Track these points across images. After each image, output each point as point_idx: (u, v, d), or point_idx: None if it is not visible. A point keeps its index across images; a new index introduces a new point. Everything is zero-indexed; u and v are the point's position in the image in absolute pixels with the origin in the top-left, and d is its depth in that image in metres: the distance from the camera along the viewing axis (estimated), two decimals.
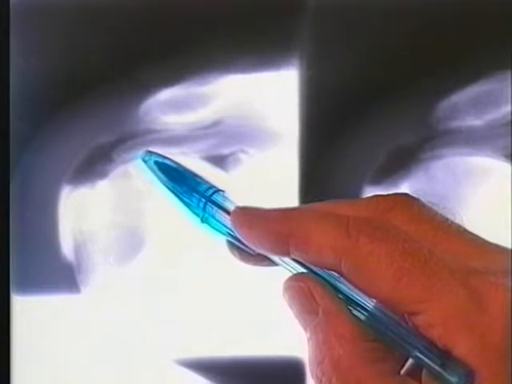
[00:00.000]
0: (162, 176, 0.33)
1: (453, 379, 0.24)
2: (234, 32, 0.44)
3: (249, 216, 0.29)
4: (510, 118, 0.45)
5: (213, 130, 0.45)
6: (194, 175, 0.33)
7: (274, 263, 0.29)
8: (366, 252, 0.25)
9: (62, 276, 0.44)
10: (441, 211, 0.27)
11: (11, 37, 0.43)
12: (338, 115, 0.45)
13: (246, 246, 0.29)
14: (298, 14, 0.44)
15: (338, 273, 0.26)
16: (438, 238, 0.26)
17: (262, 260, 0.30)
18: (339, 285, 0.27)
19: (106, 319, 0.44)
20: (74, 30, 0.44)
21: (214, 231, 0.31)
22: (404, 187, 0.45)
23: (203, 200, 0.31)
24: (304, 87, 0.45)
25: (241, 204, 0.30)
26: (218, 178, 0.45)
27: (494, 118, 0.45)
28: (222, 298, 0.44)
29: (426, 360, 0.24)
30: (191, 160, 0.44)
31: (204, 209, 0.31)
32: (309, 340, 0.27)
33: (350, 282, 0.26)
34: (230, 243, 0.31)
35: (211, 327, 0.44)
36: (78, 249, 0.44)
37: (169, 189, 0.33)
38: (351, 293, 0.26)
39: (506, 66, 0.45)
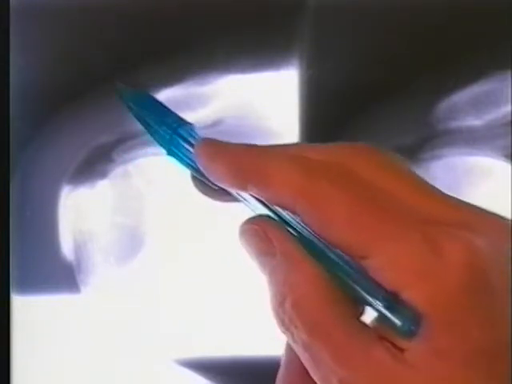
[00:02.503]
0: (132, 105, 0.33)
1: (398, 322, 0.23)
2: (234, 32, 0.44)
3: (212, 148, 0.29)
4: (510, 117, 0.45)
5: (213, 129, 0.45)
6: (165, 107, 0.33)
7: (235, 199, 0.29)
8: (323, 195, 0.25)
9: (62, 276, 0.44)
10: (408, 164, 0.27)
11: (11, 37, 0.43)
12: (338, 115, 0.45)
13: (209, 180, 0.29)
14: (298, 14, 0.44)
15: (293, 213, 0.26)
16: (400, 187, 0.25)
17: (225, 195, 0.29)
18: (297, 226, 0.27)
19: (106, 319, 0.44)
20: (74, 30, 0.44)
21: (180, 164, 0.31)
22: None
23: (169, 132, 0.31)
24: (304, 87, 0.45)
25: None
26: None
27: (494, 117, 0.45)
28: (222, 298, 0.44)
29: (372, 301, 0.24)
30: None
31: (170, 141, 0.31)
32: (269, 283, 0.27)
33: (304, 223, 0.26)
34: (193, 177, 0.31)
35: (211, 327, 0.44)
36: (78, 249, 0.44)
37: (138, 118, 0.33)
38: (306, 233, 0.26)
39: (506, 66, 0.45)
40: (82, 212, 0.44)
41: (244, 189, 0.27)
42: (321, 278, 0.25)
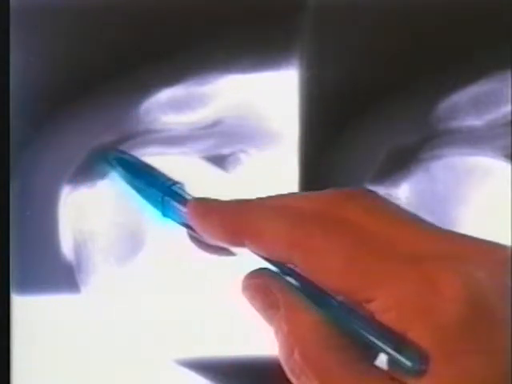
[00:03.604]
0: (123, 172, 0.33)
1: (408, 363, 0.23)
2: (234, 32, 0.44)
3: (204, 208, 0.29)
4: (510, 117, 0.45)
5: (213, 129, 0.45)
6: (151, 169, 0.33)
7: (232, 253, 0.29)
8: (318, 244, 0.25)
9: (62, 276, 0.44)
10: (395, 201, 0.27)
11: (11, 37, 0.43)
12: (338, 115, 0.45)
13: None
14: (298, 13, 0.44)
15: (293, 265, 0.26)
16: (391, 226, 0.26)
17: (221, 249, 0.30)
18: (296, 277, 0.27)
19: (106, 319, 0.44)
20: (74, 30, 0.44)
21: (176, 224, 0.31)
22: (404, 187, 0.45)
23: (161, 194, 0.31)
24: (304, 87, 0.45)
25: None
26: (218, 178, 0.45)
27: (494, 117, 0.45)
28: (222, 298, 0.44)
29: (380, 345, 0.24)
30: (191, 160, 0.44)
31: (162, 203, 0.31)
32: (276, 334, 0.27)
33: (304, 274, 0.26)
34: (190, 234, 0.31)
35: (211, 327, 0.44)
36: (78, 249, 0.44)
37: (130, 184, 0.33)
38: (307, 284, 0.26)
39: (506, 66, 0.45)
40: (82, 212, 0.44)
41: (240, 245, 0.28)
42: (323, 326, 0.26)
